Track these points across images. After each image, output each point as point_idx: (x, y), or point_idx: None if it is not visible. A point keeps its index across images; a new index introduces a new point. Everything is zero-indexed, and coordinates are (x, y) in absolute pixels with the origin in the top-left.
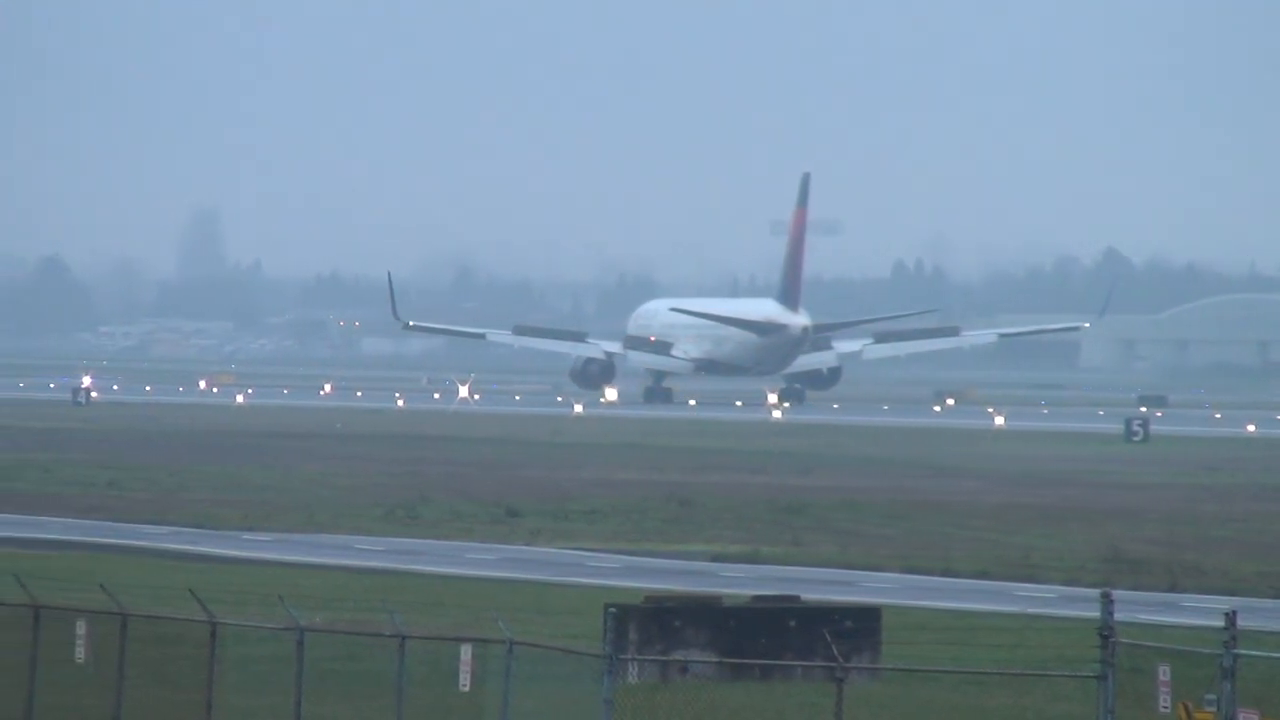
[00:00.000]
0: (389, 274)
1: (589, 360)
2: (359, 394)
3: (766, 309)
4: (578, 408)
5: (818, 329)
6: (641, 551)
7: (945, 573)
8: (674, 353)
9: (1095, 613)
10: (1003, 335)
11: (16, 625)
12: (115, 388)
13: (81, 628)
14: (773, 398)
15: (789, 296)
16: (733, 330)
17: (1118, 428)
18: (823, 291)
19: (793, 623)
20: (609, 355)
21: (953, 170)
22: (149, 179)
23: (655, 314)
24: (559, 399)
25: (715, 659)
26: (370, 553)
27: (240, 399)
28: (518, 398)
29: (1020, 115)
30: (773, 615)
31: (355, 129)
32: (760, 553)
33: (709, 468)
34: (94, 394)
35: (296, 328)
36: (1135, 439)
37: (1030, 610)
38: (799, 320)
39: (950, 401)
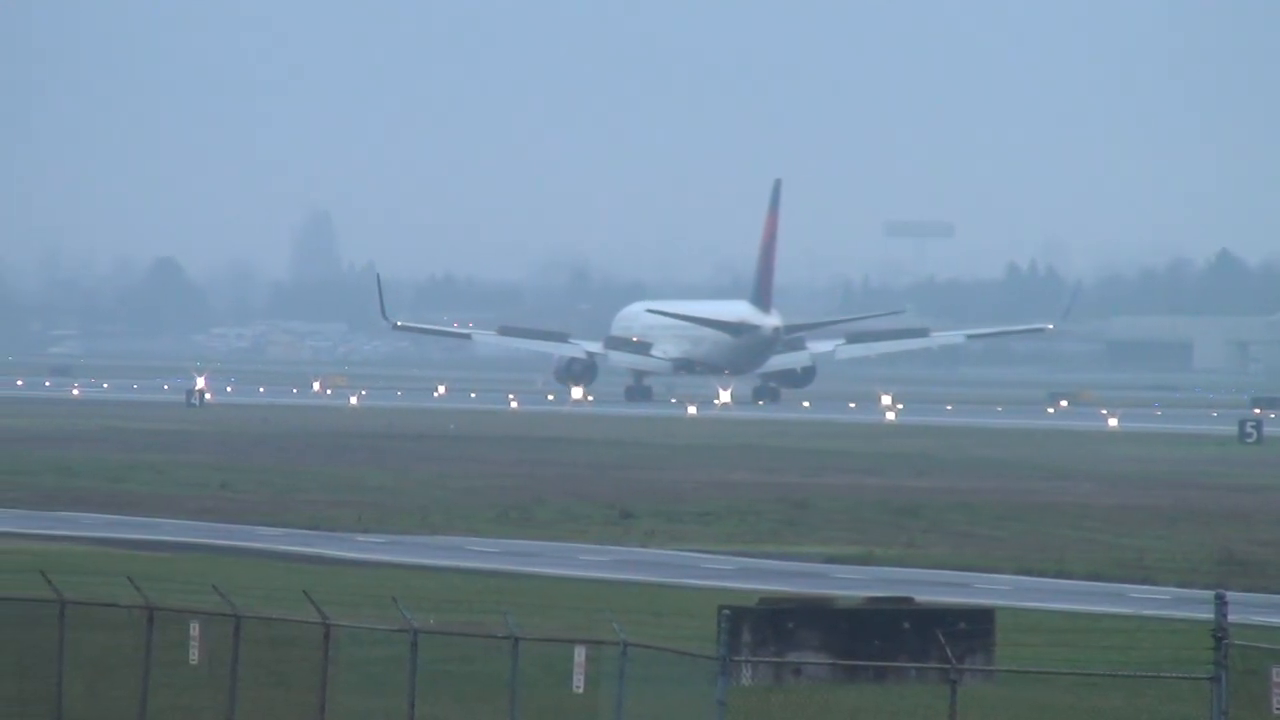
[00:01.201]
0: (378, 276)
1: (572, 360)
2: (473, 395)
3: (740, 310)
4: (691, 409)
5: (789, 329)
6: (755, 553)
7: (1059, 574)
8: (653, 352)
9: (1209, 614)
10: (970, 336)
11: (131, 627)
12: (229, 389)
13: (195, 629)
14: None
15: (761, 298)
16: (708, 331)
17: (1231, 429)
18: (936, 294)
19: (906, 624)
20: (590, 355)
21: (1066, 171)
22: (262, 180)
23: (636, 315)
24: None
25: (829, 661)
26: (484, 554)
27: (354, 400)
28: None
29: (1134, 117)
30: (887, 617)
31: (469, 130)
32: (874, 554)
33: (824, 469)
34: (208, 396)
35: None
36: (1249, 440)
37: (1144, 612)
38: (770, 321)
39: (1063, 403)
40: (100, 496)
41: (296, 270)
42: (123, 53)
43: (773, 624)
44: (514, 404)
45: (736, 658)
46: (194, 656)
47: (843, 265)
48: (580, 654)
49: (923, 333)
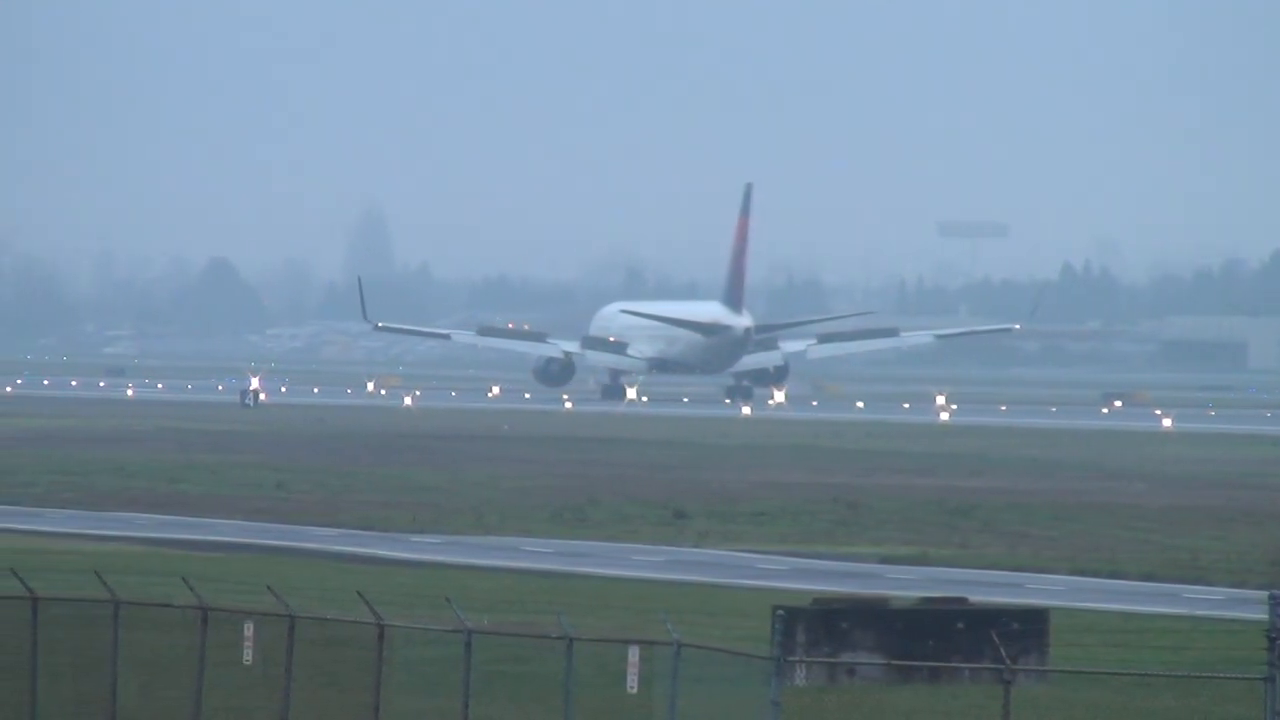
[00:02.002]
0: (359, 278)
1: (550, 359)
2: (527, 396)
3: (712, 311)
4: (745, 409)
5: (760, 330)
6: (809, 553)
7: (1113, 575)
8: (629, 352)
9: (1263, 615)
10: (939, 336)
11: (185, 627)
12: (283, 389)
13: (249, 629)
14: (780, 396)
15: (733, 299)
16: (682, 331)
17: None
18: (990, 294)
19: (960, 625)
20: (568, 355)
21: (1121, 171)
22: (317, 180)
23: (613, 316)
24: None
25: (883, 661)
26: (538, 554)
27: (408, 401)
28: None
29: (1189, 117)
30: (940, 617)
31: (522, 131)
32: (928, 554)
33: (877, 469)
34: (262, 396)
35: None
36: None
37: (1197, 612)
38: (742, 321)
39: (1118, 404)
40: (155, 497)
41: (351, 271)
42: (180, 54)
43: (827, 624)
44: (568, 404)
45: (790, 658)
46: (248, 657)
47: (897, 265)
48: (634, 654)
49: (892, 333)
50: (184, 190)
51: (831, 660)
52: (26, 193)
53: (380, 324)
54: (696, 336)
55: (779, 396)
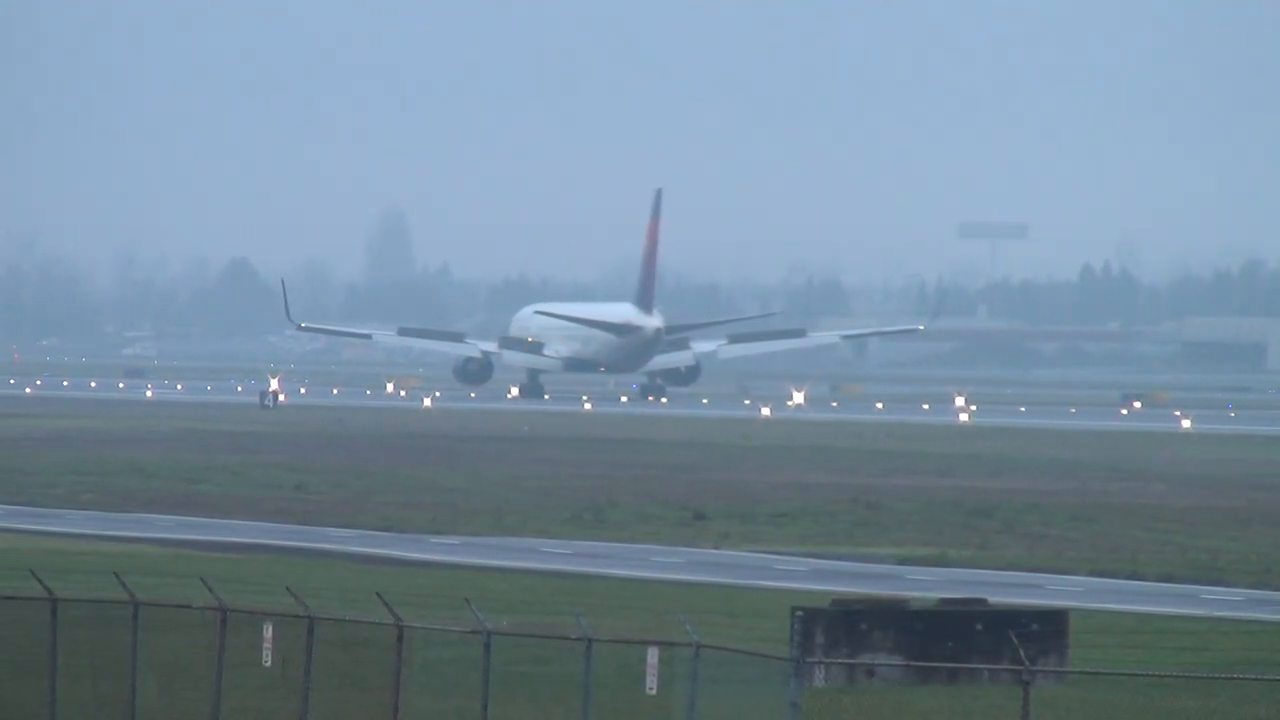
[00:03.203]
0: (282, 281)
1: (468, 359)
2: (547, 396)
3: (624, 312)
4: (765, 410)
5: (671, 330)
6: (828, 554)
7: (1132, 576)
8: (546, 352)
9: None
10: (845, 336)
11: (204, 628)
12: (303, 390)
13: (268, 631)
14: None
15: (644, 300)
16: (596, 331)
17: None
18: (1010, 295)
19: (979, 626)
20: (485, 354)
21: (1140, 173)
22: (337, 181)
23: (531, 317)
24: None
25: (902, 662)
26: (557, 556)
27: (428, 402)
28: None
29: (1207, 119)
30: (959, 618)
31: (542, 132)
32: (947, 555)
33: (896, 470)
34: (281, 397)
35: (485, 330)
36: None
37: (1217, 613)
38: (652, 322)
39: (1137, 405)
40: (174, 498)
41: (370, 272)
42: (200, 56)
43: (846, 625)
44: (588, 405)
45: (810, 659)
46: (267, 658)
47: (917, 266)
48: (653, 655)
49: (800, 333)
50: (204, 191)
51: (850, 661)
52: (47, 193)
53: (303, 324)
54: (610, 337)
55: (798, 398)
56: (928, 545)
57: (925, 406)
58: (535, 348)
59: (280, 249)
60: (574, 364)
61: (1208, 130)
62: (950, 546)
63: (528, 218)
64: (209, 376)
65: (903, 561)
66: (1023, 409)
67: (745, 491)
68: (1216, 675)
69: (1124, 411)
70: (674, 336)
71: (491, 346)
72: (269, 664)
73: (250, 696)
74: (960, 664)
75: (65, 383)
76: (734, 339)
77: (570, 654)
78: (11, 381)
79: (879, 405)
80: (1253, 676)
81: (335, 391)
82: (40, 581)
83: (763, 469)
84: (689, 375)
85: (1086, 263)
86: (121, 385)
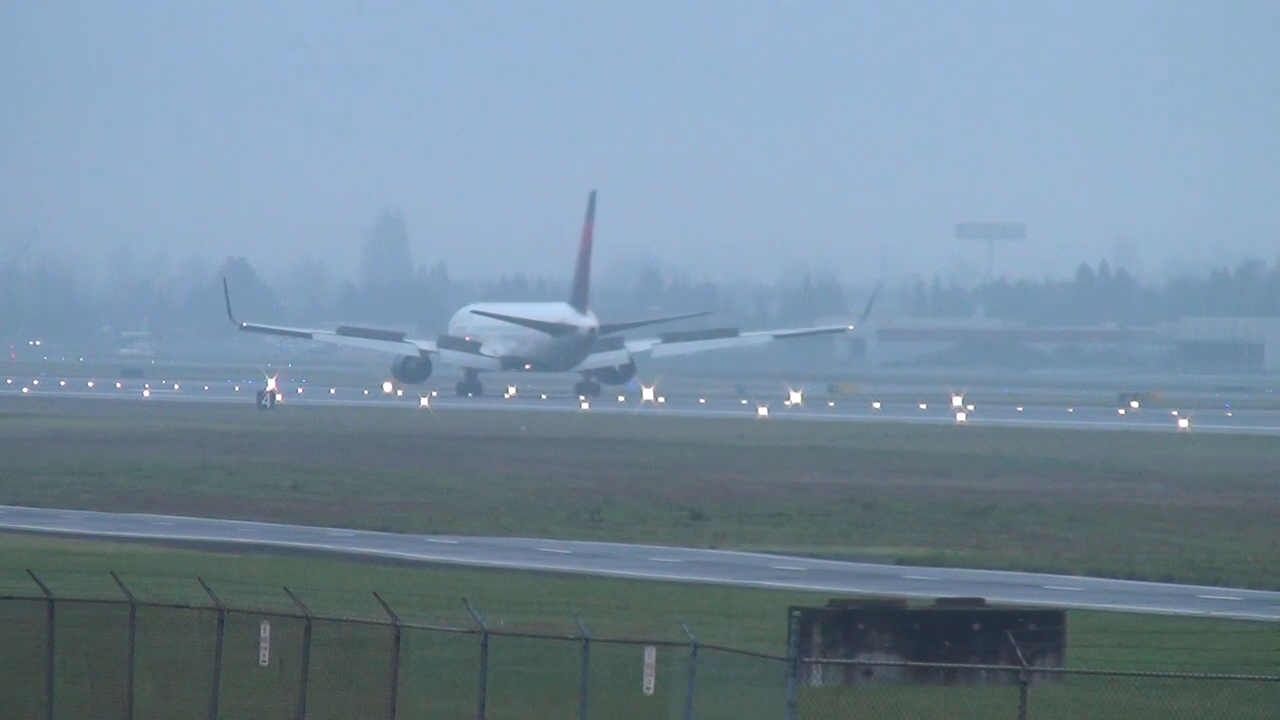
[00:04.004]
0: (224, 280)
1: (407, 358)
2: (544, 396)
3: (559, 311)
4: (762, 410)
5: (606, 329)
6: (826, 555)
7: (1129, 575)
8: (483, 351)
9: None
10: (777, 336)
11: (202, 628)
12: (300, 391)
13: (266, 631)
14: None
15: (578, 300)
16: (531, 331)
17: None
18: (1007, 295)
19: (977, 626)
20: (424, 353)
21: (1137, 172)
22: (334, 182)
23: (468, 317)
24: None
25: (899, 662)
26: (554, 556)
27: (425, 402)
28: (333, 390)
29: (1205, 118)
30: (957, 618)
31: (539, 131)
32: (945, 555)
33: (894, 470)
34: (279, 397)
35: None
36: None
37: (1214, 613)
38: (586, 322)
39: (1134, 404)
40: (171, 498)
41: (368, 272)
42: (197, 57)
43: (843, 625)
44: (584, 405)
45: (807, 659)
46: (264, 658)
47: (914, 266)
48: (650, 655)
49: (732, 332)
50: (201, 191)
51: (848, 661)
52: (43, 194)
53: (245, 324)
54: (545, 336)
55: (795, 398)
56: (925, 545)
57: (922, 406)
58: (473, 347)
59: (277, 249)
60: (511, 363)
61: (1205, 130)
62: (948, 546)
63: (525, 218)
64: (206, 376)
65: (900, 561)
66: (1020, 409)
67: (742, 491)
68: (1214, 675)
69: (1121, 411)
70: (608, 336)
71: (430, 346)
72: (266, 664)
73: (247, 696)
74: (958, 664)
75: (62, 382)
76: (667, 338)
77: (567, 654)
78: (9, 381)
79: (876, 405)
80: (1250, 676)
81: (333, 391)
82: (38, 581)
83: (760, 469)
84: (623, 374)
85: (1084, 263)
86: (119, 385)
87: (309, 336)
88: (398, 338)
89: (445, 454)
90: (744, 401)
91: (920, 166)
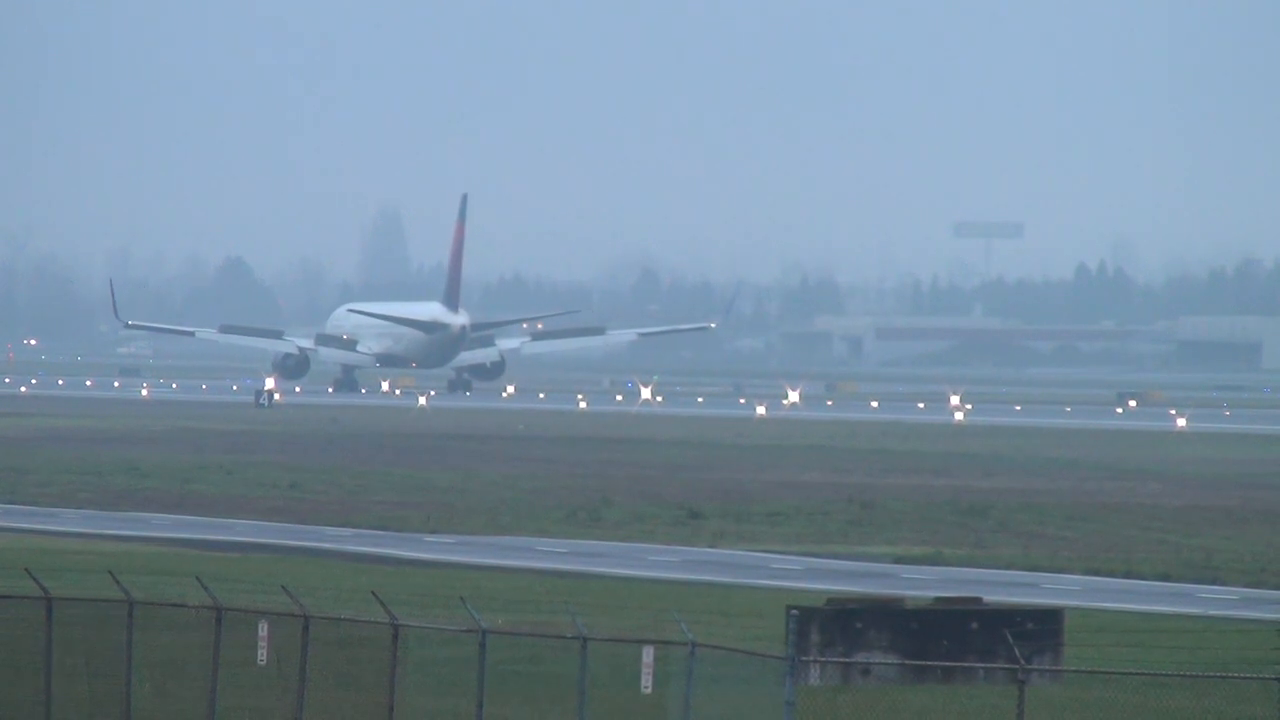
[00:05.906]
0: (110, 281)
1: (286, 355)
2: (541, 396)
3: (432, 310)
4: (760, 409)
5: (477, 328)
6: (824, 554)
7: (1127, 574)
8: (359, 348)
9: (1277, 615)
10: (641, 334)
11: (199, 627)
12: (298, 390)
13: (264, 630)
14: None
15: (450, 299)
16: (405, 329)
17: None
18: (1005, 294)
19: (975, 624)
20: (303, 351)
21: (1136, 171)
22: (332, 181)
23: (345, 316)
24: (267, 387)
25: (897, 661)
26: (552, 555)
27: (423, 401)
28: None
29: (1203, 117)
30: (955, 617)
31: (537, 131)
32: (943, 555)
33: (892, 469)
34: (277, 396)
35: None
36: None
37: (1212, 612)
38: (458, 320)
39: (1132, 403)
40: (169, 497)
41: (366, 271)
42: (195, 55)
43: (841, 624)
44: (582, 404)
45: (805, 658)
46: (262, 657)
47: (912, 265)
48: (648, 654)
49: (599, 331)
50: (199, 190)
51: (846, 660)
52: (42, 192)
53: (130, 322)
54: (418, 334)
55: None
56: (923, 544)
57: (920, 405)
58: (349, 344)
59: (275, 248)
60: (386, 360)
61: (1203, 129)
62: (945, 545)
63: (524, 218)
64: (204, 375)
65: (898, 560)
66: (1018, 408)
67: (740, 490)
68: (1212, 674)
69: (1119, 410)
70: (480, 334)
71: (308, 343)
72: (264, 663)
73: (245, 695)
74: (956, 663)
75: (60, 381)
76: (536, 336)
77: (565, 653)
78: (7, 380)
79: (874, 404)
80: (1248, 675)
81: (330, 390)
82: (35, 580)
83: (758, 468)
84: (494, 370)
85: (1081, 261)
86: (117, 384)
87: (192, 334)
88: (278, 335)
89: (443, 453)
90: (742, 400)
91: (918, 166)
